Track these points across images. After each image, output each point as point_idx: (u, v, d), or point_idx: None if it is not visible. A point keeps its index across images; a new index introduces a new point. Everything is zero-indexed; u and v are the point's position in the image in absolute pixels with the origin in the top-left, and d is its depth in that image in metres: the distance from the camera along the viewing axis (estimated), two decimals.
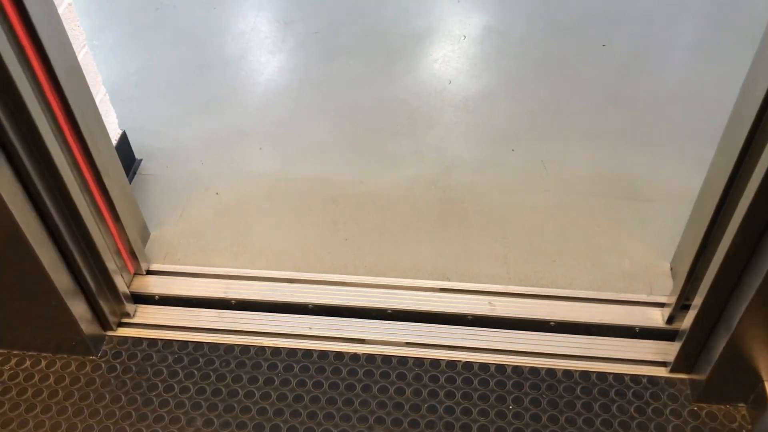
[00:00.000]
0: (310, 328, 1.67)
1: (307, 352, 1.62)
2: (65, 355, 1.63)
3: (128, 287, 1.72)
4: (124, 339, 1.66)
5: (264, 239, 1.89)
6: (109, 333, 1.67)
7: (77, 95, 1.39)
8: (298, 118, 2.28)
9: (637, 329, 1.64)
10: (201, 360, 1.61)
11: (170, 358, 1.62)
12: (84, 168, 1.46)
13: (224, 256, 1.85)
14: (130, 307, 1.69)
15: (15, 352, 1.64)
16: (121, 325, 1.69)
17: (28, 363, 1.62)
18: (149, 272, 1.79)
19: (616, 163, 2.09)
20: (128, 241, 1.67)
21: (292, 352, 1.63)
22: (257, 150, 2.16)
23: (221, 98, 2.37)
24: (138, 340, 1.66)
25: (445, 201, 1.99)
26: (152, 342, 1.65)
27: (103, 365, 1.61)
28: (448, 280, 1.77)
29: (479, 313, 1.68)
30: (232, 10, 2.77)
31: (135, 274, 1.78)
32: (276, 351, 1.63)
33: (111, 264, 1.58)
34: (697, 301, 1.43)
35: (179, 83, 2.43)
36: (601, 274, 1.78)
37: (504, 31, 2.63)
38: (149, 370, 1.60)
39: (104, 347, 1.64)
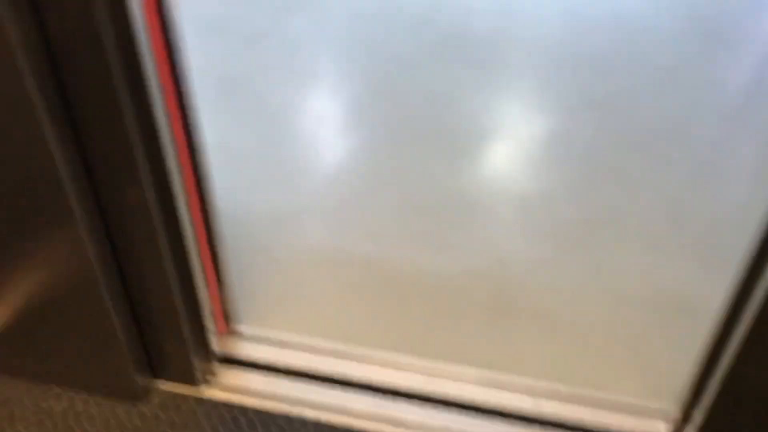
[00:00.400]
0: (352, 404, 1.68)
1: (348, 430, 1.63)
2: (115, 400, 1.67)
3: (218, 347, 1.76)
4: (172, 392, 1.70)
5: (315, 310, 1.94)
6: (193, 393, 1.70)
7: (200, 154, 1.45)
8: (362, 198, 2.36)
9: None
10: (244, 423, 1.64)
11: (214, 418, 1.65)
12: (199, 226, 1.51)
13: (275, 323, 1.89)
14: (217, 366, 1.73)
15: (69, 392, 1.70)
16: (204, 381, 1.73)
17: (78, 403, 1.67)
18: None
19: (672, 278, 2.08)
20: (225, 302, 1.73)
21: (332, 427, 1.64)
22: (319, 224, 2.24)
23: (290, 172, 2.47)
24: (184, 396, 1.69)
25: (496, 294, 2.01)
26: (198, 399, 1.68)
27: (148, 414, 1.65)
28: (493, 371, 1.77)
29: (523, 410, 1.67)
30: (309, 91, 2.92)
31: (225, 333, 1.82)
32: (318, 426, 1.64)
33: (209, 324, 1.63)
34: (697, 418, 1.43)
35: (251, 154, 2.55)
36: (648, 386, 1.76)
37: (569, 137, 2.70)
38: (192, 426, 1.63)
39: (153, 398, 1.68)
